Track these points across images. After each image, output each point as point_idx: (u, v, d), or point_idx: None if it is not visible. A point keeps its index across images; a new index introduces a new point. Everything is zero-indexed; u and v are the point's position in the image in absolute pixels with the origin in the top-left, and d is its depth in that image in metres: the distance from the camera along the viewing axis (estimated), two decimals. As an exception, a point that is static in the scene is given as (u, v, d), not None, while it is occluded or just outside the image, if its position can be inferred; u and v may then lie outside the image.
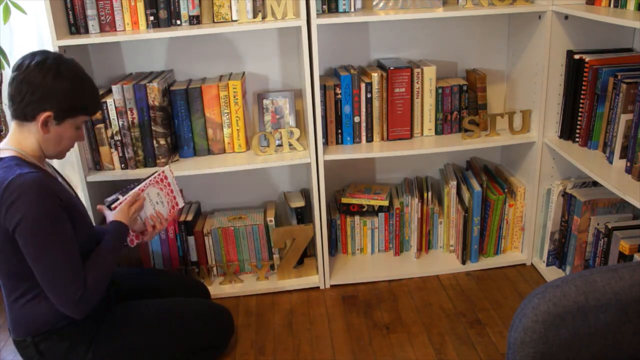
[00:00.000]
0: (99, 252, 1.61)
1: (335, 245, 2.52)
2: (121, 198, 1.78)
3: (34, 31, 2.25)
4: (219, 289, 2.33)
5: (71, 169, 2.42)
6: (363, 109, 2.24)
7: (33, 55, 1.55)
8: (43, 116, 1.53)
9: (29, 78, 1.51)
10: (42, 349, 1.61)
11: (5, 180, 1.47)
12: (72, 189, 1.77)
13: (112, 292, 1.82)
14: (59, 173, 1.78)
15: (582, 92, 2.06)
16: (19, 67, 1.53)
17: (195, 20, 2.08)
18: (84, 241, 1.60)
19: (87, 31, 2.04)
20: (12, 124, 1.60)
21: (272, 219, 2.34)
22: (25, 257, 1.50)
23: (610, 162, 1.95)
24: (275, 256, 2.39)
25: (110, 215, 1.73)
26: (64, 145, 1.65)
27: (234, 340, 2.03)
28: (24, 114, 1.54)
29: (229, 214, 2.45)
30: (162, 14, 2.05)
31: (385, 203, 2.42)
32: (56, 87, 1.53)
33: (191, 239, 2.30)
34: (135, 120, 2.10)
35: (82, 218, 1.63)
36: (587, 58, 2.03)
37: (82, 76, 1.61)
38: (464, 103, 2.32)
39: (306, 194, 2.48)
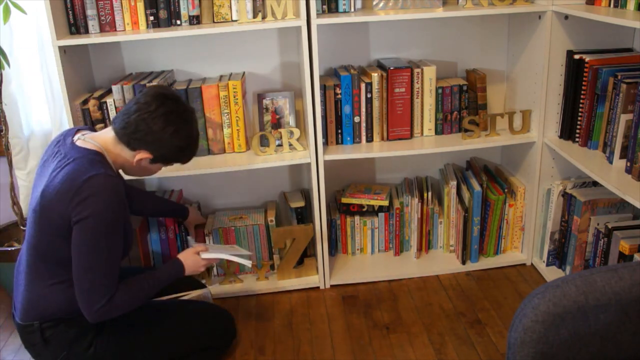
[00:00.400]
0: (145, 279, 1.67)
1: (335, 245, 2.52)
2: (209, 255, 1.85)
3: (34, 31, 2.25)
4: (219, 289, 2.33)
5: (71, 169, 2.42)
6: (363, 109, 2.24)
7: (164, 97, 1.61)
8: (143, 155, 1.63)
9: (151, 121, 1.58)
10: (48, 336, 1.62)
11: (88, 173, 1.51)
12: None
13: None
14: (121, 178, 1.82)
15: (582, 92, 2.06)
16: (147, 104, 1.59)
17: (195, 20, 2.08)
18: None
19: (87, 31, 2.04)
20: (110, 130, 1.65)
21: (273, 219, 2.34)
22: (72, 248, 1.53)
23: (610, 162, 1.95)
24: (276, 256, 2.39)
25: (184, 253, 1.81)
26: (142, 175, 1.76)
27: (234, 340, 2.03)
28: (128, 142, 1.61)
29: (230, 213, 2.45)
30: (162, 14, 2.06)
31: (385, 203, 2.42)
32: (170, 142, 1.62)
33: (190, 239, 2.30)
34: (135, 120, 2.10)
35: (128, 235, 1.67)
36: (587, 58, 2.03)
37: (195, 138, 1.70)
38: (464, 103, 2.32)
39: (306, 194, 2.48)
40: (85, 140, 1.63)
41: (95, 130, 1.75)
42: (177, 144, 1.63)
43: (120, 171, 1.75)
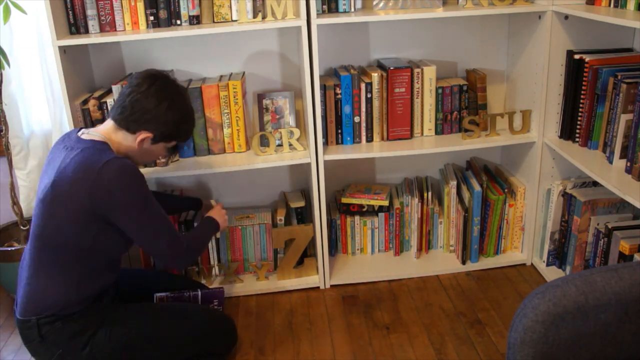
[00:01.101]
0: (195, 230, 1.92)
1: (335, 245, 2.52)
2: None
3: (34, 31, 2.25)
4: (219, 289, 2.33)
5: (71, 169, 2.42)
6: (363, 109, 2.24)
7: (154, 77, 1.67)
8: (143, 135, 1.67)
9: (145, 100, 1.64)
10: (44, 333, 1.63)
11: (102, 160, 1.57)
12: None
13: (114, 292, 1.82)
14: None
15: (582, 92, 2.06)
16: (138, 85, 1.65)
17: (195, 20, 2.08)
18: (117, 244, 1.72)
19: (87, 31, 2.04)
20: (109, 120, 1.71)
21: (282, 218, 2.34)
22: (128, 230, 1.63)
23: (610, 162, 1.95)
24: (280, 255, 2.38)
25: (212, 211, 2.00)
26: (147, 159, 1.82)
27: (234, 347, 2.01)
28: (127, 126, 1.67)
29: (238, 212, 2.45)
30: (162, 14, 2.06)
31: (385, 203, 2.42)
32: (166, 117, 1.67)
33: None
34: (135, 120, 2.10)
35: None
36: (587, 58, 2.02)
37: (190, 111, 1.76)
38: (464, 103, 2.32)
39: (306, 194, 2.48)
40: (89, 133, 1.69)
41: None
42: (173, 118, 1.68)
43: None
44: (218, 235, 2.27)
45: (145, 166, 2.15)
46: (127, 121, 1.65)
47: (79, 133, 1.70)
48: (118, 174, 1.56)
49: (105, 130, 1.69)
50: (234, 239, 2.34)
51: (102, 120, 2.09)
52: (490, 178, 2.45)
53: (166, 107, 1.66)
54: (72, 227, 1.59)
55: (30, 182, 2.45)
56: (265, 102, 2.31)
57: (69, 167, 1.57)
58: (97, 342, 1.67)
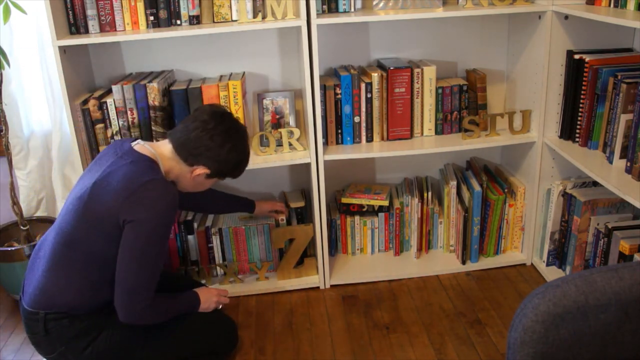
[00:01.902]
0: (167, 299, 1.73)
1: (335, 245, 2.52)
2: None
3: (34, 31, 2.25)
4: (219, 289, 2.33)
5: (71, 169, 2.42)
6: (363, 109, 2.24)
7: (222, 116, 1.70)
8: (200, 170, 1.70)
9: (209, 139, 1.66)
10: (50, 328, 1.64)
11: (147, 177, 1.58)
12: None
13: None
14: None
15: (582, 92, 2.06)
16: (205, 122, 1.66)
17: (195, 20, 2.08)
18: None
19: (87, 31, 2.04)
20: (167, 142, 1.71)
21: (284, 217, 2.35)
22: (122, 247, 1.57)
23: (610, 162, 1.95)
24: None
25: (202, 289, 1.88)
26: (193, 189, 1.80)
27: (234, 348, 2.01)
28: (185, 158, 1.69)
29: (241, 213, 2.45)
30: (162, 14, 2.06)
31: (385, 203, 2.42)
32: (228, 157, 1.70)
33: (191, 238, 2.31)
34: (135, 120, 2.10)
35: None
36: (587, 58, 2.03)
37: (248, 152, 1.78)
38: (464, 103, 2.32)
39: (306, 194, 2.48)
40: (144, 146, 1.70)
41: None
42: (234, 159, 1.72)
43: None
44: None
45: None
46: (188, 154, 1.68)
47: (134, 143, 1.71)
48: (157, 194, 1.57)
49: (161, 150, 1.71)
50: (238, 239, 2.34)
51: (102, 120, 2.09)
52: (490, 178, 2.45)
53: (229, 149, 1.68)
54: (101, 235, 1.60)
55: (30, 182, 2.46)
56: (265, 102, 2.31)
57: (113, 174, 1.59)
58: (99, 344, 1.67)
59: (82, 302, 1.64)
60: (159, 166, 1.67)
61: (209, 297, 1.86)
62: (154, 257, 1.61)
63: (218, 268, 2.38)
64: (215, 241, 2.33)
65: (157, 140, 1.78)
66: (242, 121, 2.20)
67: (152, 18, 2.05)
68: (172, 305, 1.74)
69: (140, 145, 1.70)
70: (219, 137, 1.67)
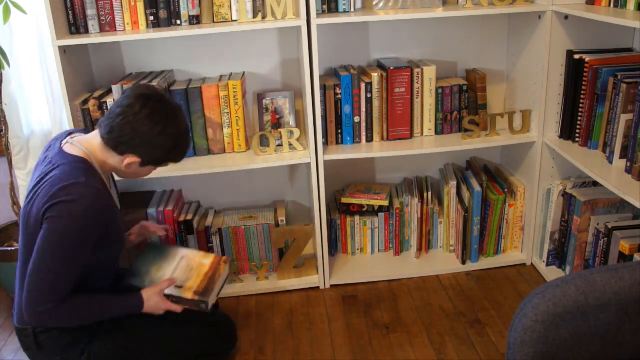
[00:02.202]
0: (99, 302, 1.61)
1: (335, 245, 2.52)
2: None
3: (34, 31, 2.25)
4: (219, 289, 2.33)
5: (71, 169, 2.42)
6: (363, 109, 2.24)
7: (147, 98, 1.54)
8: (131, 160, 1.57)
9: (136, 124, 1.51)
10: (41, 341, 1.62)
11: (67, 181, 1.47)
12: (119, 201, 1.78)
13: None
14: (114, 181, 1.79)
15: (582, 92, 2.06)
16: (130, 106, 1.52)
17: (195, 20, 2.08)
18: (105, 260, 1.64)
19: (87, 31, 2.04)
20: (96, 133, 1.59)
21: (284, 218, 2.34)
22: (35, 245, 1.48)
23: (610, 162, 1.95)
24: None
25: (149, 290, 1.69)
26: (133, 178, 1.70)
27: (234, 348, 2.00)
28: (115, 147, 1.55)
29: (241, 212, 2.45)
30: (162, 14, 2.05)
31: (385, 203, 2.42)
32: (158, 142, 1.55)
33: (191, 238, 2.31)
34: (135, 120, 2.10)
35: (115, 243, 1.64)
36: (587, 58, 2.02)
37: (183, 134, 1.62)
38: (464, 103, 2.32)
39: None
40: (73, 144, 1.59)
41: (86, 133, 1.70)
42: (166, 144, 1.57)
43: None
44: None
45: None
46: (116, 143, 1.54)
47: (64, 142, 1.61)
48: (73, 198, 1.45)
49: (92, 145, 1.59)
50: (238, 240, 2.34)
51: (102, 120, 2.09)
52: (490, 178, 2.45)
53: (158, 132, 1.53)
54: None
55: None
56: (265, 102, 2.31)
57: (41, 183, 1.51)
58: (95, 348, 1.65)
59: None
60: (89, 164, 1.56)
61: (157, 301, 1.68)
62: (63, 261, 1.48)
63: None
64: (215, 241, 2.32)
65: (92, 130, 1.67)
66: (242, 121, 2.20)
67: (152, 18, 2.05)
68: (101, 307, 1.61)
69: (69, 145, 1.58)
70: (146, 121, 1.51)
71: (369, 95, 2.22)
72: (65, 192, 1.46)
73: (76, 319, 1.58)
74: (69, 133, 1.68)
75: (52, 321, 1.55)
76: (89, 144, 1.59)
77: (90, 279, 1.61)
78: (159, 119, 1.54)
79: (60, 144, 1.60)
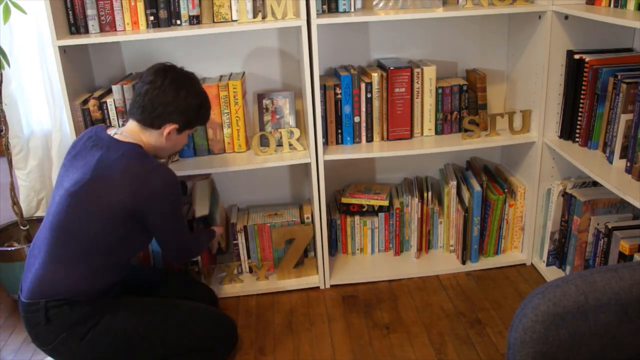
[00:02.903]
0: (202, 235, 2.03)
1: (335, 245, 2.52)
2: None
3: (34, 31, 2.25)
4: (219, 288, 2.33)
5: (71, 169, 2.42)
6: (363, 109, 2.24)
7: (164, 70, 1.72)
8: (169, 128, 1.72)
9: (163, 95, 1.69)
10: (51, 315, 1.65)
11: (148, 166, 1.65)
12: None
13: (118, 287, 1.82)
14: None
15: (582, 92, 2.06)
16: (152, 82, 1.69)
17: (195, 20, 2.08)
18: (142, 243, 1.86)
19: (87, 31, 2.04)
20: (131, 122, 1.74)
21: (310, 215, 2.35)
22: (152, 228, 1.70)
23: (610, 162, 1.95)
24: (311, 254, 2.40)
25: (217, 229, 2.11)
26: (175, 150, 1.86)
27: (234, 347, 2.01)
28: (151, 123, 1.71)
29: (268, 209, 2.46)
30: (162, 14, 2.06)
31: (385, 203, 2.42)
32: (187, 104, 1.73)
33: None
34: (135, 120, 2.10)
35: None
36: (587, 58, 2.02)
37: (205, 94, 1.81)
38: (464, 103, 2.32)
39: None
40: (123, 134, 1.72)
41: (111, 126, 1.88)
42: (195, 103, 1.74)
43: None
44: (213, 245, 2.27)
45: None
46: (152, 118, 1.70)
47: (111, 133, 1.73)
48: (165, 184, 1.65)
49: (133, 131, 1.73)
50: (263, 237, 2.35)
51: (102, 120, 2.09)
52: (490, 178, 2.45)
53: (185, 96, 1.71)
54: (103, 225, 1.63)
55: (30, 182, 2.45)
56: (265, 102, 2.31)
57: (112, 170, 1.62)
58: (99, 330, 1.68)
59: (82, 289, 1.66)
60: (144, 149, 1.72)
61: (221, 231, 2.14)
62: (182, 219, 1.79)
63: (247, 265, 2.38)
64: (240, 238, 2.34)
65: (124, 126, 1.81)
66: (242, 121, 2.20)
67: (152, 18, 2.05)
68: (203, 241, 2.01)
69: (121, 135, 1.72)
70: (170, 89, 1.69)
71: (369, 95, 2.22)
72: (152, 177, 1.63)
73: (201, 250, 2.06)
74: (106, 127, 1.79)
75: (194, 256, 2.13)
76: (132, 132, 1.74)
77: (116, 266, 1.74)
78: (181, 84, 1.71)
79: (108, 135, 1.73)
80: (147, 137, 1.74)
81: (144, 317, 1.76)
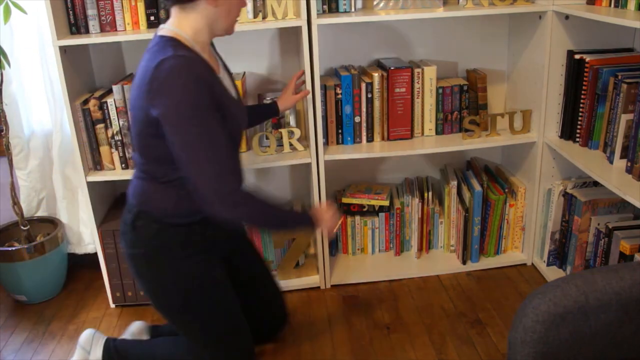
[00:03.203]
0: (278, 208, 1.63)
1: (335, 245, 2.52)
2: None
3: (34, 31, 2.25)
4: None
5: (72, 169, 2.42)
6: (363, 109, 2.24)
7: None
8: None
9: None
10: (137, 225, 1.60)
11: (156, 60, 1.42)
12: (235, 88, 1.70)
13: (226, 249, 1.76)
14: (226, 66, 1.74)
15: (583, 92, 2.06)
16: None
17: (195, 20, 2.08)
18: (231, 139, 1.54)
19: (87, 31, 2.04)
20: (172, 10, 1.55)
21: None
22: (171, 146, 1.44)
23: (611, 162, 1.95)
24: (312, 254, 2.41)
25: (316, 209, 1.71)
26: (232, 16, 1.59)
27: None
28: None
29: None
30: (163, 14, 2.06)
31: (386, 203, 2.42)
32: None
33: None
34: (136, 120, 2.10)
35: (231, 119, 1.54)
36: (587, 58, 2.02)
37: None
38: (465, 103, 2.32)
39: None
40: (164, 29, 1.55)
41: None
42: None
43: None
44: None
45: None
46: None
47: (159, 30, 1.57)
48: (167, 74, 1.39)
49: (174, 21, 1.53)
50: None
51: (103, 120, 2.09)
52: (491, 178, 2.45)
53: None
54: (152, 138, 1.49)
55: (31, 182, 2.45)
56: (265, 102, 2.31)
57: (138, 72, 1.50)
58: (162, 270, 1.61)
59: (170, 207, 1.58)
60: (176, 40, 1.49)
61: (327, 216, 1.69)
62: (206, 141, 1.42)
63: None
64: None
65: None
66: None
67: (152, 18, 2.05)
68: (276, 212, 1.61)
69: (162, 30, 1.54)
70: None
71: (369, 95, 2.22)
72: (157, 72, 1.40)
73: (262, 216, 1.56)
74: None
75: (246, 215, 1.53)
76: (172, 22, 1.54)
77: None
78: None
79: (155, 33, 1.57)
80: (191, 19, 1.51)
81: (205, 294, 1.66)
